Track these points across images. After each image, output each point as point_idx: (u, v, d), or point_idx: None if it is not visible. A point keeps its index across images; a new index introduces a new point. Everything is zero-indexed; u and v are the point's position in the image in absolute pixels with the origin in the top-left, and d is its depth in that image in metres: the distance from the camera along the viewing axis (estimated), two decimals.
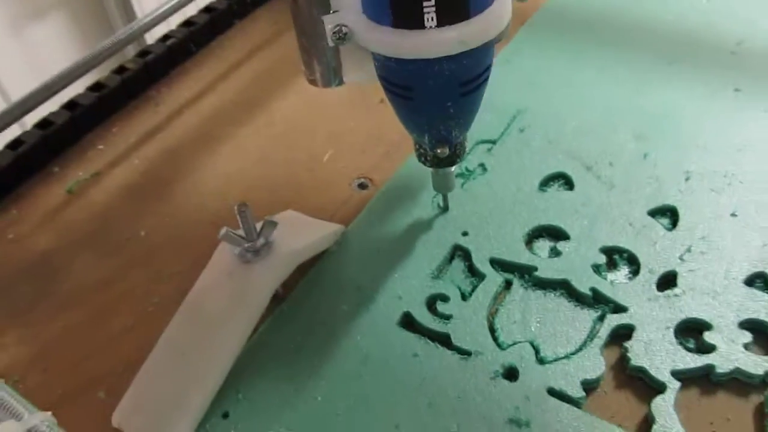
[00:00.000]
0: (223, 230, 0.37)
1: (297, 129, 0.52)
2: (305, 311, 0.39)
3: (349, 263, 0.41)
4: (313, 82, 0.37)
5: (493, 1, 0.32)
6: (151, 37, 0.60)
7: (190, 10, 0.61)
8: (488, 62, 0.34)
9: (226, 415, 0.34)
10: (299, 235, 0.40)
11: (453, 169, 0.39)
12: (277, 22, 0.64)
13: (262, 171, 0.49)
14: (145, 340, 0.38)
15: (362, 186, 0.47)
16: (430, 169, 0.40)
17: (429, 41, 0.31)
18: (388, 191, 0.45)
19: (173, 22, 0.60)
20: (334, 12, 0.33)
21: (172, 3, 0.57)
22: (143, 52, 0.57)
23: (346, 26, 0.33)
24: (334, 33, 0.33)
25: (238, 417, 0.34)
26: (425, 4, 0.30)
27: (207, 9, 0.61)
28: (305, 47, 0.35)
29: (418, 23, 0.30)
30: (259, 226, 0.38)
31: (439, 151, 0.36)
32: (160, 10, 0.56)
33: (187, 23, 0.60)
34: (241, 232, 0.37)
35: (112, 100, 0.55)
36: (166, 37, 0.59)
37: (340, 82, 0.36)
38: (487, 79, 0.34)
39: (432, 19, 0.30)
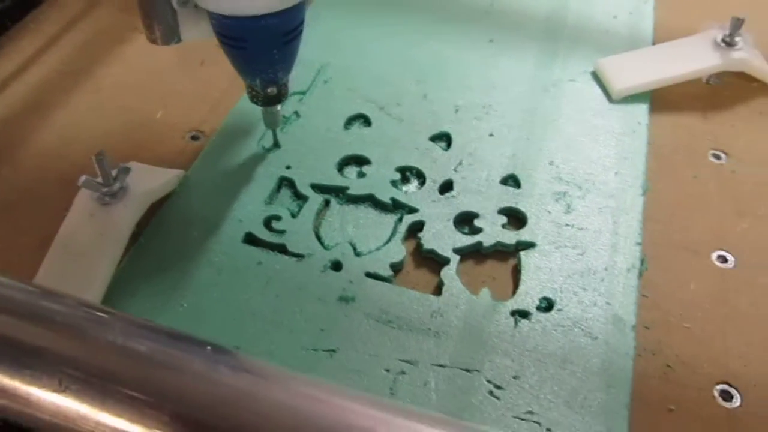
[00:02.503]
0: (83, 178, 0.43)
1: (126, 93, 0.57)
2: (161, 241, 0.46)
3: (193, 200, 0.48)
4: (153, 41, 0.43)
5: None
6: None
7: None
8: (302, 17, 0.43)
9: None
10: (148, 179, 0.46)
11: (279, 107, 0.48)
12: None
13: (98, 131, 0.54)
14: None
15: (194, 138, 0.54)
16: (261, 109, 0.48)
17: (258, 0, 0.39)
18: (219, 139, 0.53)
19: None
20: None
21: None
22: None
23: None
24: None
25: None
26: None
27: None
28: (146, 10, 0.41)
29: None
30: (114, 172, 0.44)
31: (269, 90, 0.45)
32: None
33: None
34: (99, 178, 0.43)
35: None
36: None
37: (179, 40, 0.43)
38: (302, 30, 0.43)
39: None
